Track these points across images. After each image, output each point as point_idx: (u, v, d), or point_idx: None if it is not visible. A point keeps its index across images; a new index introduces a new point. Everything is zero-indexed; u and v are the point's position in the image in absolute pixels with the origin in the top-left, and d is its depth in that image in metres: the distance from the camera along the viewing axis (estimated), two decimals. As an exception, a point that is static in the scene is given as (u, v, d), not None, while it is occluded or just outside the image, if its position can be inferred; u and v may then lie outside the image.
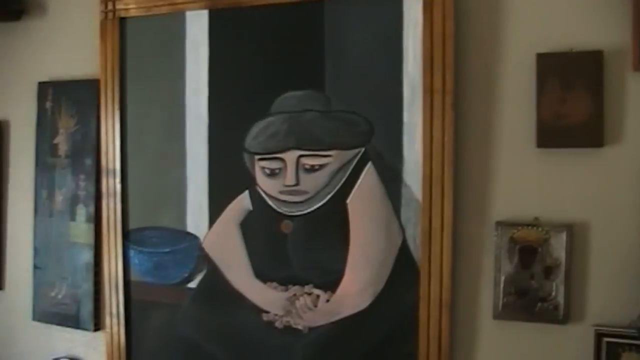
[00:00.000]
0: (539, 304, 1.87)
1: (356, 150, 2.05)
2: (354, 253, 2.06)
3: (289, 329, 2.16)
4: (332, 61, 2.09)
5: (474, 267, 1.97)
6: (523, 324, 1.90)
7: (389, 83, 2.01)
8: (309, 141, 2.10)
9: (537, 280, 1.87)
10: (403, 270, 2.01)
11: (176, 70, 2.32)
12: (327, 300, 2.11)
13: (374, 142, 2.03)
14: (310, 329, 2.14)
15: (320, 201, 2.10)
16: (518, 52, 1.91)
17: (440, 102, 1.93)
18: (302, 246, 2.15)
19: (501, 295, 1.91)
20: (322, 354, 2.13)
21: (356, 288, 2.06)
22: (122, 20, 2.43)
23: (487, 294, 1.94)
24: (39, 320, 2.68)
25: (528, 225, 1.88)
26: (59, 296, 2.61)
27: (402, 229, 2.01)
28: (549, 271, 1.86)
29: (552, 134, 1.85)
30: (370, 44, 2.04)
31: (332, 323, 2.11)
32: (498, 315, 1.92)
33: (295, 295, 2.15)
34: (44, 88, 2.65)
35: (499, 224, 1.91)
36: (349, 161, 2.06)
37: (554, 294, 1.85)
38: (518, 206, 1.91)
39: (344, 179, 2.07)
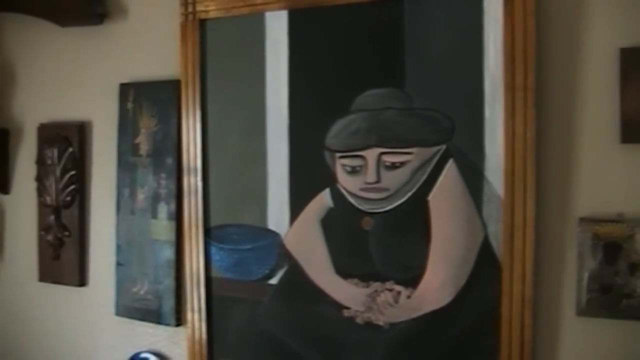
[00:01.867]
0: (624, 301, 1.84)
1: (437, 147, 2.05)
2: (435, 250, 2.07)
3: (369, 325, 2.18)
4: (413, 59, 2.09)
5: (556, 263, 1.95)
6: (607, 321, 1.88)
7: (469, 80, 2.00)
8: (390, 138, 2.10)
9: (621, 277, 1.85)
10: (485, 267, 2.00)
11: (256, 69, 2.35)
12: (408, 297, 2.11)
13: (455, 139, 2.03)
14: (391, 325, 2.14)
15: (401, 198, 2.11)
16: (600, 47, 1.88)
17: (522, 99, 1.91)
18: (383, 243, 2.16)
19: (585, 292, 1.89)
20: (403, 349, 2.14)
21: (437, 284, 2.06)
22: (202, 21, 2.46)
23: (570, 291, 1.93)
24: (121, 316, 2.74)
25: (612, 221, 1.85)
26: (141, 292, 2.67)
27: (484, 226, 2.00)
28: (634, 267, 1.83)
29: (636, 129, 1.82)
30: (451, 41, 2.04)
31: (413, 319, 2.11)
32: (581, 312, 1.90)
33: (376, 291, 2.16)
34: (125, 89, 2.70)
35: (582, 220, 1.89)
36: (430, 158, 2.06)
37: (639, 290, 1.84)
38: (601, 202, 1.89)
39: (425, 176, 2.07)
